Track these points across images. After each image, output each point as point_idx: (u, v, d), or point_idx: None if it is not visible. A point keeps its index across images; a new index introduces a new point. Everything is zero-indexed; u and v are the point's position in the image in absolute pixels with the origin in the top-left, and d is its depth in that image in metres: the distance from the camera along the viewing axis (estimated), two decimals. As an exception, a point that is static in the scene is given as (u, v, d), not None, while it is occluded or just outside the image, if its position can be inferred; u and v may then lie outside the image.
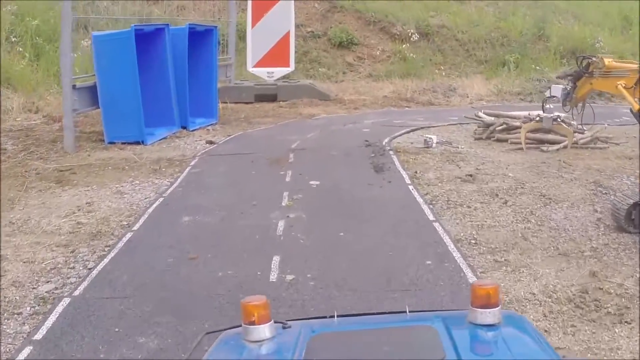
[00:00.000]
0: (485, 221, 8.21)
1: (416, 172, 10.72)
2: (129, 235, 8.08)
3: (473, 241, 7.50)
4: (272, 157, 11.89)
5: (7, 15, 18.91)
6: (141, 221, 8.61)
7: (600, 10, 26.72)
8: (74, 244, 7.97)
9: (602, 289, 6.16)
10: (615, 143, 13.22)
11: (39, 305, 6.32)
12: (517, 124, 13.44)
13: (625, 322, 5.55)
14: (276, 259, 6.93)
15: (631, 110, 8.69)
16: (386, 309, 4.96)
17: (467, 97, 20.52)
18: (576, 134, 12.67)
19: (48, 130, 14.63)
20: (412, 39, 23.89)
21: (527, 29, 24.61)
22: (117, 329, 5.62)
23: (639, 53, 19.79)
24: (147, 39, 13.95)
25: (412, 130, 14.65)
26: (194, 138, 14.42)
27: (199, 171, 11.29)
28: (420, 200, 9.12)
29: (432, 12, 25.43)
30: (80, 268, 7.19)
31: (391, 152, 12.18)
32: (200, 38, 15.77)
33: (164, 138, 14.23)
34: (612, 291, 6.13)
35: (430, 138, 12.97)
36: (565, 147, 12.38)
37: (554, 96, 11.68)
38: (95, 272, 6.95)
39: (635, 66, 8.77)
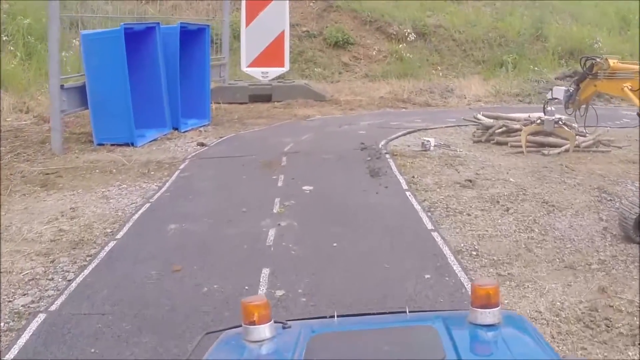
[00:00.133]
0: (487, 230, 7.82)
1: (413, 177, 10.33)
2: (112, 244, 7.67)
3: (474, 252, 7.10)
4: (264, 161, 11.49)
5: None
6: (125, 228, 8.21)
7: (598, 10, 26.46)
8: (54, 252, 7.57)
9: (612, 306, 5.77)
10: (617, 146, 12.87)
11: (13, 320, 5.92)
12: (517, 126, 13.08)
13: (639, 344, 5.17)
14: (265, 272, 6.52)
15: (638, 114, 8.37)
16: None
17: (465, 98, 20.16)
18: (578, 137, 12.32)
19: (38, 131, 14.25)
20: (408, 38, 23.59)
21: (524, 29, 24.33)
22: (93, 350, 5.21)
23: (638, 54, 19.46)
24: (137, 38, 13.57)
25: (409, 133, 14.27)
26: (185, 140, 14.03)
27: (188, 175, 10.89)
28: (418, 207, 8.72)
29: (428, 12, 25.19)
30: (60, 280, 6.80)
31: (387, 156, 11.78)
32: (192, 37, 15.41)
33: (155, 140, 13.84)
34: (622, 309, 5.74)
35: (427, 141, 12.59)
36: (566, 150, 12.01)
37: (555, 98, 11.36)
38: (74, 284, 6.55)
39: (642, 67, 8.45)
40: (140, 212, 8.88)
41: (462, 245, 7.34)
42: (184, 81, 14.75)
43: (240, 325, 2.55)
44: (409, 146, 12.82)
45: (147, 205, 9.20)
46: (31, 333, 5.56)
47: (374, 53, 23.28)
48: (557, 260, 6.92)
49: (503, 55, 23.03)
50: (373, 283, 6.19)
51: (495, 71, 22.54)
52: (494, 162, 11.49)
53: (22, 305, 6.19)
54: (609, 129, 13.80)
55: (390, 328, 2.65)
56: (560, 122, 11.74)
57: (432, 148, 12.38)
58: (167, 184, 10.31)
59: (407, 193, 9.43)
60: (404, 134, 14.08)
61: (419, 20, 24.24)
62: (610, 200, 9.08)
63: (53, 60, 12.80)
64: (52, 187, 10.42)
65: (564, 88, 11.08)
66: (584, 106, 10.30)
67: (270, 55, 18.86)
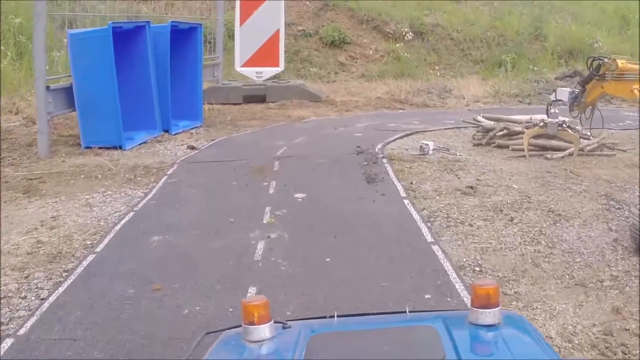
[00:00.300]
0: (490, 243, 7.33)
1: (412, 184, 9.85)
2: (90, 257, 7.19)
3: (477, 268, 6.61)
4: (255, 166, 10.99)
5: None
6: (106, 240, 7.73)
7: (597, 9, 26.09)
8: (30, 267, 7.11)
9: (628, 329, 5.32)
10: (621, 149, 12.42)
11: (-22, 345, 5.47)
12: (519, 129, 12.62)
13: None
14: (252, 291, 6.02)
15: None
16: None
17: (463, 98, 19.65)
18: (582, 140, 11.86)
19: (26, 134, 13.78)
20: (406, 38, 23.16)
21: (523, 28, 23.92)
22: (60, 382, 4.76)
23: (638, 54, 19.04)
24: (126, 37, 13.10)
25: (407, 135, 13.79)
26: (175, 142, 13.55)
27: (175, 181, 10.39)
28: (416, 217, 8.22)
29: (426, 11, 24.81)
30: (33, 298, 6.33)
31: (384, 160, 11.28)
32: (184, 36, 14.95)
33: (144, 142, 13.37)
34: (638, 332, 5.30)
35: (426, 144, 12.10)
36: (570, 154, 11.56)
37: (559, 100, 10.89)
38: (46, 304, 6.08)
39: (653, 69, 7.99)
40: (123, 221, 8.41)
41: (464, 260, 6.86)
42: (176, 81, 14.27)
43: (240, 325, 2.55)
44: (406, 150, 12.34)
45: (131, 214, 8.72)
46: (-5, 362, 5.11)
47: (371, 52, 22.85)
48: (567, 276, 6.45)
49: (502, 54, 22.63)
50: (369, 304, 5.69)
51: (494, 71, 22.12)
52: (495, 166, 11.02)
53: (-10, 328, 5.74)
54: (613, 132, 13.35)
55: (390, 328, 2.64)
56: (564, 125, 11.26)
57: (430, 152, 11.90)
58: (154, 191, 9.82)
59: (405, 201, 8.94)
60: (402, 137, 13.61)
61: (417, 19, 23.83)
62: (619, 208, 8.62)
63: (39, 61, 12.37)
64: (34, 193, 9.99)
65: (567, 89, 10.59)
66: (589, 108, 9.85)
67: (264, 55, 18.41)
